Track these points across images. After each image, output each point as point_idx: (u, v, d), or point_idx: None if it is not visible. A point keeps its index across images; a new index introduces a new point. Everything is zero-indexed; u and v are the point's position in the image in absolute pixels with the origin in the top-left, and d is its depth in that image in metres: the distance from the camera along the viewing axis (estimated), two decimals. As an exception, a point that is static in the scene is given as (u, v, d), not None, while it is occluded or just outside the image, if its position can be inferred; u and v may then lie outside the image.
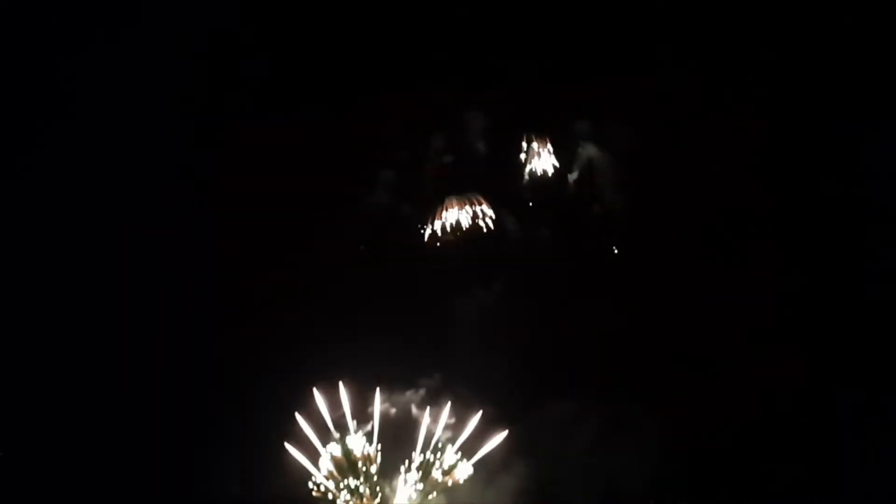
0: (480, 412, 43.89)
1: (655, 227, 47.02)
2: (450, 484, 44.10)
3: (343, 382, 43.73)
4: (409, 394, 45.66)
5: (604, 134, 46.78)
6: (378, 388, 44.28)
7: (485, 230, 47.09)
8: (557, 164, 47.07)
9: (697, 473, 43.53)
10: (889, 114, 41.21)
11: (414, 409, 45.26)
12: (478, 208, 47.06)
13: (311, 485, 44.38)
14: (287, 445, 44.21)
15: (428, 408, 44.69)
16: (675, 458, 42.99)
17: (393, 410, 45.30)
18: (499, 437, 43.80)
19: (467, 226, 47.07)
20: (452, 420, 44.89)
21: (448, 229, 47.19)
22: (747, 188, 44.97)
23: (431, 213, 47.66)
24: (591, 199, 47.50)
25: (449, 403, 44.31)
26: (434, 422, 44.52)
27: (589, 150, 46.91)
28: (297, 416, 44.52)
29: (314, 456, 44.71)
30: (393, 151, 47.55)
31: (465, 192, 47.57)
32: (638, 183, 46.83)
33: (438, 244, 47.48)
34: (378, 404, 44.65)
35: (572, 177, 47.38)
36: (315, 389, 44.51)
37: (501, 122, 47.39)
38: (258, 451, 44.52)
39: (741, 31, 43.82)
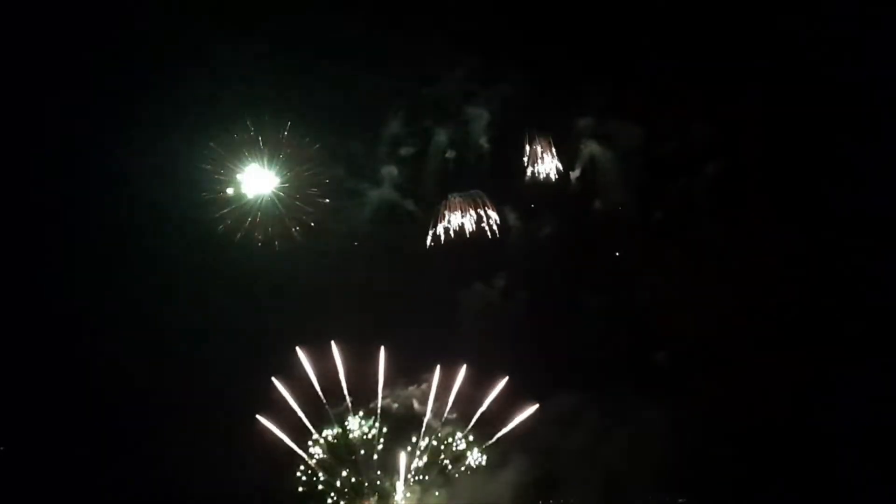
0: (507, 378, 44.00)
1: (657, 226, 47.38)
2: (456, 476, 44.41)
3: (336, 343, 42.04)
4: (410, 389, 45.76)
5: (607, 132, 46.76)
6: (383, 348, 43.01)
7: (489, 236, 47.01)
8: (561, 167, 47.03)
9: (696, 470, 43.68)
10: (888, 116, 41.53)
11: (416, 404, 45.57)
12: (482, 211, 46.86)
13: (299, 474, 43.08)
14: (265, 421, 41.91)
15: (430, 402, 45.03)
16: (675, 455, 43.04)
17: (395, 406, 45.47)
18: (529, 410, 44.06)
19: (471, 230, 46.85)
20: (454, 415, 45.53)
21: (452, 234, 46.87)
22: (749, 187, 45.16)
23: (434, 211, 47.46)
24: (594, 197, 47.67)
25: (463, 368, 43.76)
26: (436, 417, 44.97)
27: (591, 148, 46.85)
28: (275, 380, 42.04)
29: (296, 436, 42.90)
30: (396, 147, 47.33)
31: (467, 190, 47.46)
32: (640, 181, 47.10)
33: (442, 243, 47.10)
34: (383, 364, 43.46)
35: (574, 174, 47.31)
36: (298, 349, 42.44)
37: (504, 119, 47.12)
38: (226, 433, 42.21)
39: (741, 32, 43.94)
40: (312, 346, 43.95)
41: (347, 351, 43.99)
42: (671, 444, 42.99)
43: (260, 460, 42.70)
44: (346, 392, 43.96)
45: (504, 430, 44.19)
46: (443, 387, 44.69)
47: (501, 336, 45.80)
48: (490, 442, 44.28)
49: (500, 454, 45.18)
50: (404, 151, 47.11)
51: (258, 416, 42.94)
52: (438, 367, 44.63)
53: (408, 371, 45.73)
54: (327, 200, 44.59)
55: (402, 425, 44.98)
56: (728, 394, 43.44)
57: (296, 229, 43.98)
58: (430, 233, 47.08)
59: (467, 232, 46.77)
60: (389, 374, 44.89)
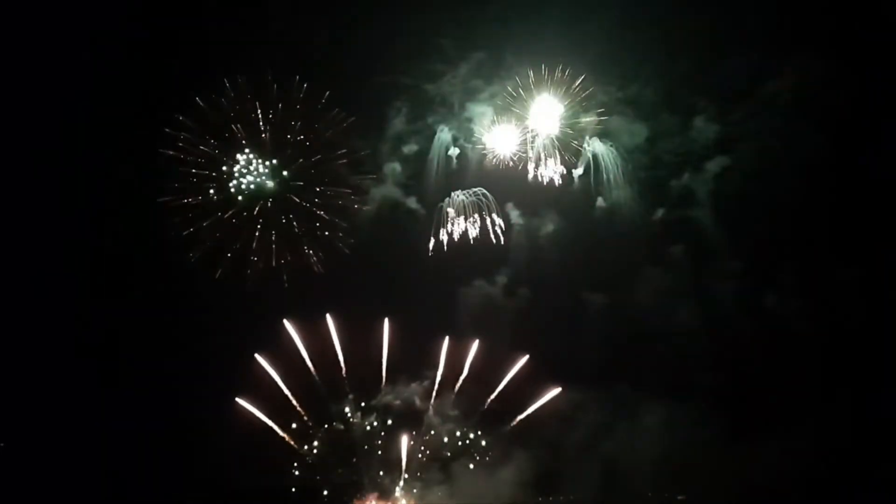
0: (527, 357, 43.97)
1: (659, 224, 47.59)
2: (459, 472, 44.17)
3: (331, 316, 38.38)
4: (413, 385, 45.72)
5: (611, 129, 46.48)
6: (387, 319, 41.37)
7: (493, 241, 46.59)
8: (564, 171, 46.70)
9: (697, 468, 43.83)
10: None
11: (418, 401, 45.54)
12: (485, 211, 46.50)
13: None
14: (246, 404, 38.81)
15: (432, 402, 45.14)
16: (675, 452, 43.66)
17: (397, 402, 45.39)
18: (552, 393, 44.41)
19: (474, 235, 46.37)
20: (456, 412, 45.88)
21: (455, 238, 46.18)
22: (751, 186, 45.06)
23: (437, 209, 46.86)
24: (597, 195, 47.47)
25: (475, 343, 43.08)
26: (437, 414, 45.22)
27: (595, 146, 46.64)
28: (258, 357, 37.32)
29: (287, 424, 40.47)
30: (399, 145, 46.76)
31: (470, 188, 47.18)
32: (643, 179, 47.05)
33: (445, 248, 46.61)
34: (387, 336, 41.82)
35: (577, 172, 47.03)
36: (286, 321, 37.73)
37: (508, 117, 46.53)
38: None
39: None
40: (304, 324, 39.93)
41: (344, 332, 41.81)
42: (671, 441, 43.56)
43: (244, 448, 39.41)
44: (343, 369, 40.57)
45: (523, 415, 44.22)
46: (448, 374, 44.33)
47: (501, 334, 46.06)
48: (509, 426, 44.28)
49: (499, 450, 45.40)
50: (407, 149, 46.65)
51: (237, 400, 38.08)
52: (447, 338, 43.78)
53: (410, 360, 45.31)
54: (365, 207, 35.61)
55: (403, 420, 44.84)
56: (729, 391, 44.05)
57: (316, 257, 33.88)
58: (433, 234, 46.67)
59: (470, 237, 46.50)
60: (390, 361, 43.70)
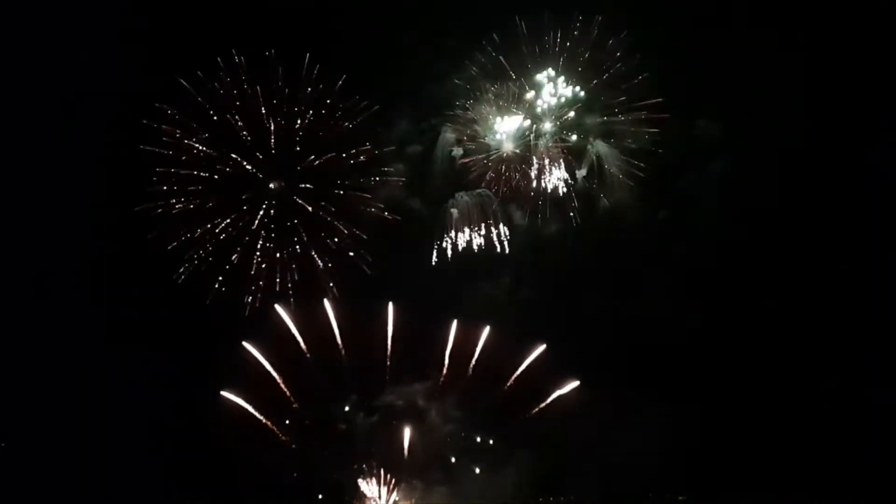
0: (544, 346, 43.52)
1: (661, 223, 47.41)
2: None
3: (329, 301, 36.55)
4: (415, 385, 44.31)
5: (614, 130, 45.99)
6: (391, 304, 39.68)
7: (498, 250, 45.64)
8: (568, 178, 46.24)
9: (698, 468, 43.97)
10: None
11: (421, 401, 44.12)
12: (489, 213, 45.35)
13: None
14: (234, 398, 36.36)
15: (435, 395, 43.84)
16: (676, 453, 43.20)
17: (400, 402, 43.86)
18: (571, 385, 44.48)
19: (479, 242, 45.31)
20: (458, 412, 45.24)
21: (459, 250, 44.69)
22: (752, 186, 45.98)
23: (441, 210, 45.03)
24: (600, 194, 46.90)
25: (486, 329, 42.61)
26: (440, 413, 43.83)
27: (598, 147, 46.10)
28: (246, 345, 34.85)
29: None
30: (403, 146, 44.96)
31: (473, 189, 45.82)
32: (645, 179, 46.39)
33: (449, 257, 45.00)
34: (391, 320, 39.90)
35: (581, 173, 46.41)
36: (278, 307, 35.52)
37: (511, 117, 45.49)
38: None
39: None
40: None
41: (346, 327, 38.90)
42: (673, 442, 42.97)
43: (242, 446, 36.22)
44: (343, 359, 38.09)
45: (525, 414, 43.73)
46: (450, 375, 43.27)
47: (502, 334, 45.30)
48: (511, 425, 43.48)
49: (501, 449, 44.97)
50: (411, 149, 44.86)
51: (223, 393, 35.11)
52: (455, 322, 42.97)
53: (412, 362, 43.73)
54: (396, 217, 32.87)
55: (406, 418, 43.26)
56: (731, 391, 44.12)
57: (332, 281, 29.03)
58: (436, 239, 44.94)
59: (474, 246, 45.35)
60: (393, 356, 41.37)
